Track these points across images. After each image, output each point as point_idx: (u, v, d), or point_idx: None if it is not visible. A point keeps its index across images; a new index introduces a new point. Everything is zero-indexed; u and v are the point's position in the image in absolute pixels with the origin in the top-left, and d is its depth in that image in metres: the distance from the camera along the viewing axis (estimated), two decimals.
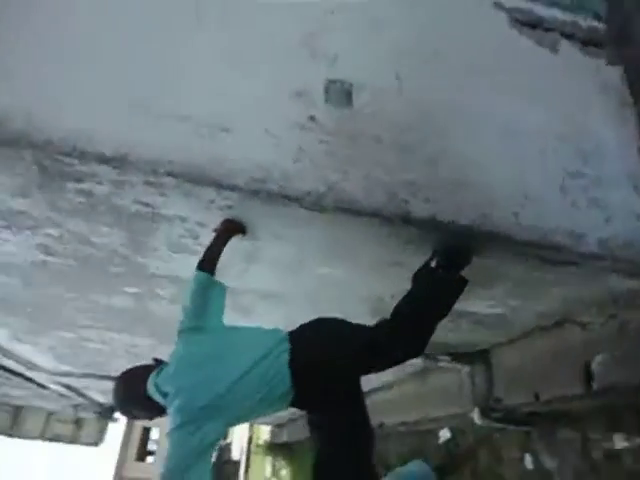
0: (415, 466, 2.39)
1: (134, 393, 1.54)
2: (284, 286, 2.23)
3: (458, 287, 1.66)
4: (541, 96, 1.78)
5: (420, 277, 1.67)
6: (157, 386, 1.48)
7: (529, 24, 1.91)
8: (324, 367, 1.54)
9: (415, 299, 1.65)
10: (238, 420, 1.58)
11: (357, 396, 1.66)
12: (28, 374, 5.35)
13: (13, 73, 1.38)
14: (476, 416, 2.98)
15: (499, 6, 1.90)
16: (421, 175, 1.59)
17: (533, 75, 1.83)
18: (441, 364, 3.05)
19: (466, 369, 3.05)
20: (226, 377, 1.45)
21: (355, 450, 1.60)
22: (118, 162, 1.37)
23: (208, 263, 1.62)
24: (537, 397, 2.53)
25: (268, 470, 12.23)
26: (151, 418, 1.61)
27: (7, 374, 5.21)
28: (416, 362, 3.06)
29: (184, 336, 1.58)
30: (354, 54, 1.68)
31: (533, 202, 1.64)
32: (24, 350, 4.24)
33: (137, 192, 1.48)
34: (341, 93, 1.63)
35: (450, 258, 1.61)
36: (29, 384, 5.93)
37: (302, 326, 1.67)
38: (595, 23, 1.99)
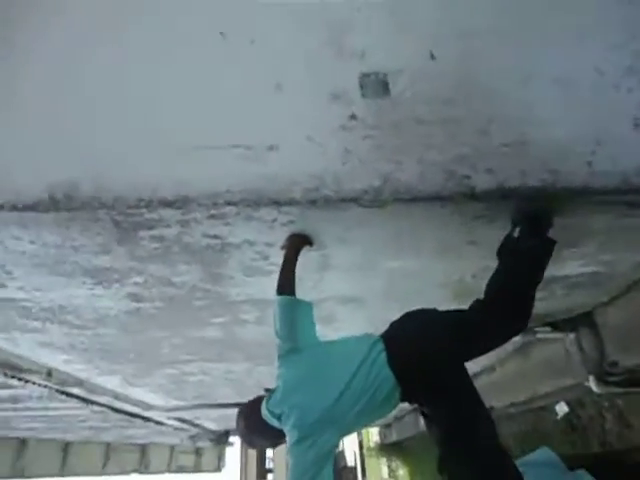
0: (541, 454, 2.27)
1: (252, 423, 1.62)
2: (360, 288, 2.22)
3: (547, 250, 1.57)
4: (590, 29, 1.64)
5: (505, 250, 1.61)
6: (270, 411, 1.55)
7: None
8: (423, 358, 1.54)
9: (505, 273, 1.59)
10: (352, 428, 1.61)
11: (465, 382, 1.61)
12: (145, 414, 5.76)
13: (75, 144, 1.50)
14: (593, 384, 2.78)
15: None
16: (476, 146, 1.52)
17: (577, 9, 1.68)
18: (540, 336, 2.88)
19: (570, 336, 2.86)
20: (331, 390, 1.50)
21: (475, 436, 1.55)
22: (180, 203, 1.44)
23: (286, 285, 1.66)
24: None
25: (385, 472, 12.18)
26: (274, 445, 1.69)
27: (128, 417, 5.64)
28: (513, 339, 2.92)
29: (283, 360, 1.63)
30: (383, 43, 1.65)
31: (606, 146, 1.51)
32: (137, 392, 4.57)
33: (203, 227, 1.55)
34: (377, 84, 1.61)
35: (531, 224, 1.53)
36: (148, 423, 6.38)
37: (392, 324, 1.68)
38: None
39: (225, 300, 2.24)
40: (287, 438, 1.50)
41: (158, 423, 6.62)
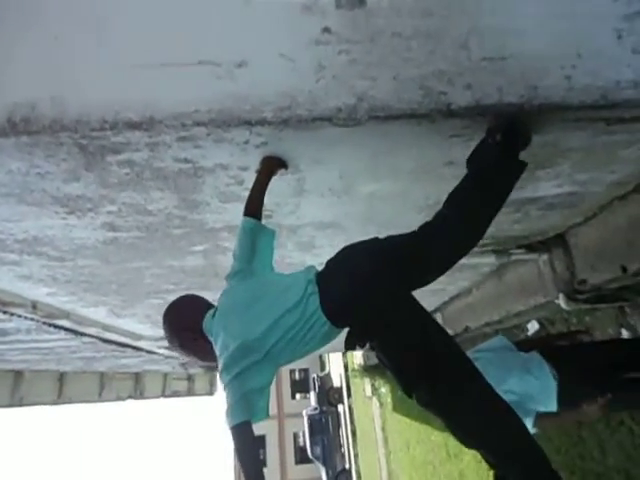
0: (496, 341, 2.44)
1: (190, 324, 1.57)
2: (337, 213, 2.22)
3: (517, 170, 1.51)
4: None
5: (476, 157, 1.50)
6: (207, 329, 1.54)
7: None
8: (352, 300, 1.46)
9: (468, 183, 1.49)
10: (287, 360, 1.52)
11: (410, 316, 1.53)
12: (136, 344, 5.92)
13: (32, 63, 1.40)
14: (562, 302, 2.92)
15: None
16: (454, 61, 1.46)
17: None
18: (515, 258, 2.97)
19: (543, 257, 2.96)
20: (259, 323, 1.45)
21: (433, 367, 1.47)
22: (147, 124, 1.38)
23: (252, 207, 1.63)
24: (625, 270, 2.41)
25: (368, 390, 12.96)
26: (203, 359, 1.62)
27: (119, 347, 5.80)
28: (489, 261, 3.01)
29: (229, 280, 1.62)
30: None
31: (587, 59, 1.46)
32: (124, 323, 4.66)
33: (173, 150, 1.50)
34: None
35: (508, 132, 1.43)
36: (140, 352, 6.57)
37: (327, 262, 1.60)
38: None
39: (203, 228, 2.23)
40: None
41: (149, 352, 6.82)
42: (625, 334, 2.96)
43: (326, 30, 1.46)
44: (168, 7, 1.45)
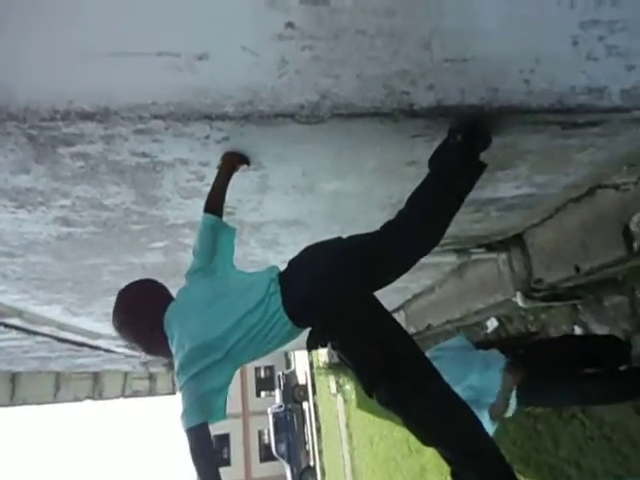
0: (456, 340, 2.49)
1: (149, 313, 1.51)
2: (302, 210, 2.21)
3: (477, 170, 1.54)
4: None
5: (437, 157, 1.51)
6: (167, 322, 1.48)
7: None
8: (320, 298, 1.46)
9: (430, 183, 1.50)
10: (248, 359, 1.51)
11: (372, 316, 1.54)
12: (93, 343, 5.73)
13: None
14: (519, 300, 3.01)
15: None
16: (417, 62, 1.47)
17: None
18: (475, 257, 3.04)
19: (502, 257, 3.04)
20: (221, 322, 1.42)
21: (394, 368, 1.48)
22: (101, 116, 1.32)
23: (213, 203, 1.60)
24: (578, 269, 2.50)
25: (333, 387, 13.03)
26: (155, 353, 1.57)
27: (75, 347, 5.59)
28: (451, 260, 3.07)
29: (189, 277, 1.59)
30: None
31: (545, 64, 1.50)
32: (81, 321, 4.50)
33: (130, 143, 1.45)
34: None
35: (469, 133, 1.45)
36: (98, 352, 6.37)
37: (290, 261, 1.58)
38: None
39: (164, 224, 2.17)
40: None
41: (108, 351, 6.62)
42: (578, 331, 3.08)
43: (290, 25, 1.44)
44: None
